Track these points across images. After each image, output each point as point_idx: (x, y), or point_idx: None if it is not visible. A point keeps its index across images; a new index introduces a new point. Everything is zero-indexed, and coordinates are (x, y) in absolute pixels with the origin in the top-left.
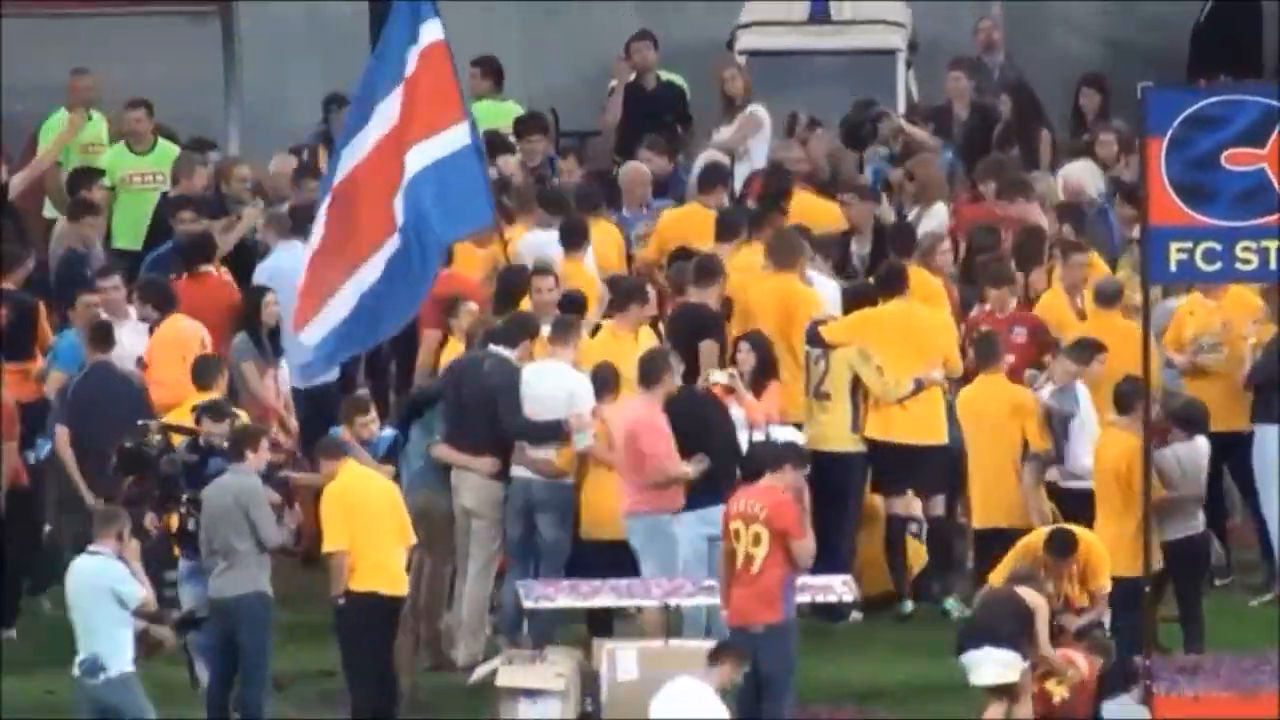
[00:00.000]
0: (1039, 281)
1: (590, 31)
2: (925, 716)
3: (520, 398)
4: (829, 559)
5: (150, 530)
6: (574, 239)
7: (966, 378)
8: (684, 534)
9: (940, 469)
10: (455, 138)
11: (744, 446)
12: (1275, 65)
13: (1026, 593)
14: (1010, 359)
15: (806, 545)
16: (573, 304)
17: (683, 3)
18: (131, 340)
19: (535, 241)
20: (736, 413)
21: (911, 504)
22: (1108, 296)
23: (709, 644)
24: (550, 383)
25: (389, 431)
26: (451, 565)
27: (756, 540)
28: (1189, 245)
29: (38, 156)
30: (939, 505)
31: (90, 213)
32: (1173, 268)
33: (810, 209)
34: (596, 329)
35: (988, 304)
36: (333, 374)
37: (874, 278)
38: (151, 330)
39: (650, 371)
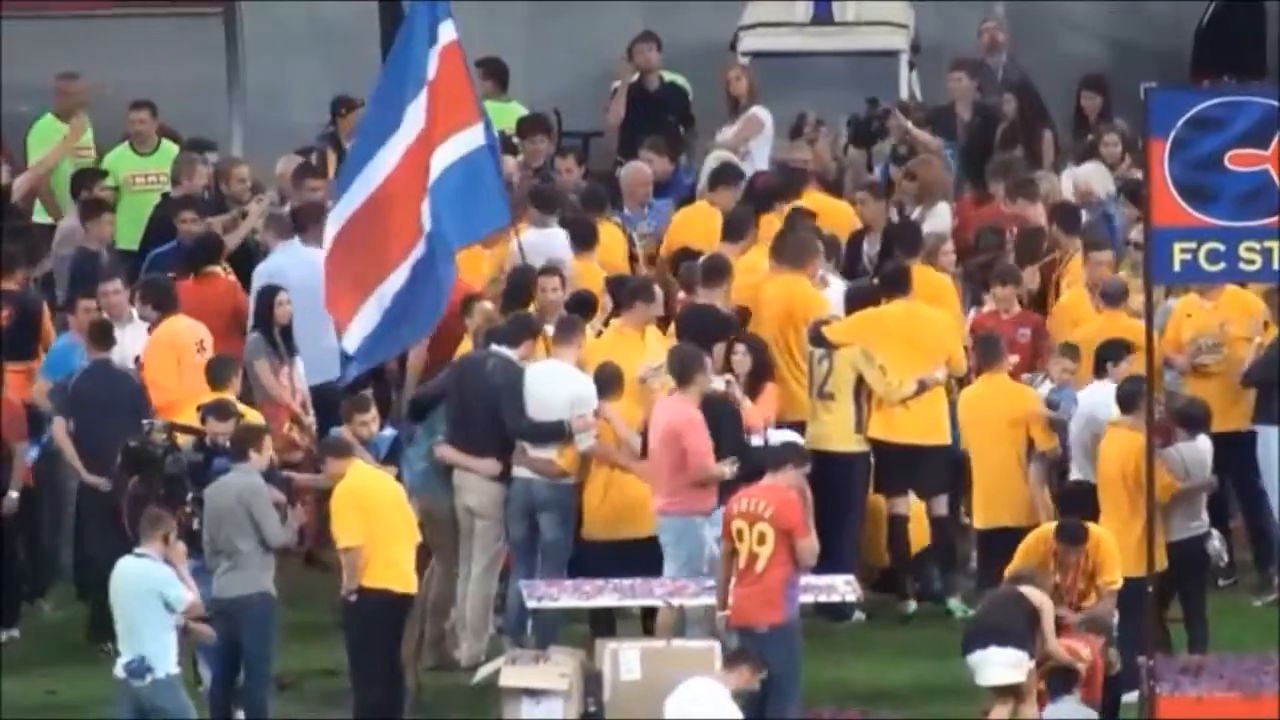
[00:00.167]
0: (1030, 280)
1: (593, 32)
2: (929, 717)
3: (523, 398)
4: (832, 559)
5: None
6: (584, 239)
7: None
8: (675, 534)
9: (942, 469)
10: (471, 139)
11: None
12: (1278, 66)
13: (1031, 591)
14: (1014, 359)
15: (811, 544)
16: (581, 304)
17: (686, 4)
18: (133, 341)
19: (540, 240)
20: None
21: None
22: (1114, 296)
23: (711, 644)
24: (552, 383)
25: (389, 432)
26: (456, 565)
27: (761, 539)
28: (1192, 246)
29: (41, 160)
30: (941, 505)
31: (105, 210)
32: (1176, 268)
33: (822, 209)
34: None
35: (992, 304)
36: (334, 371)
37: (877, 277)
38: (151, 331)
39: (683, 371)
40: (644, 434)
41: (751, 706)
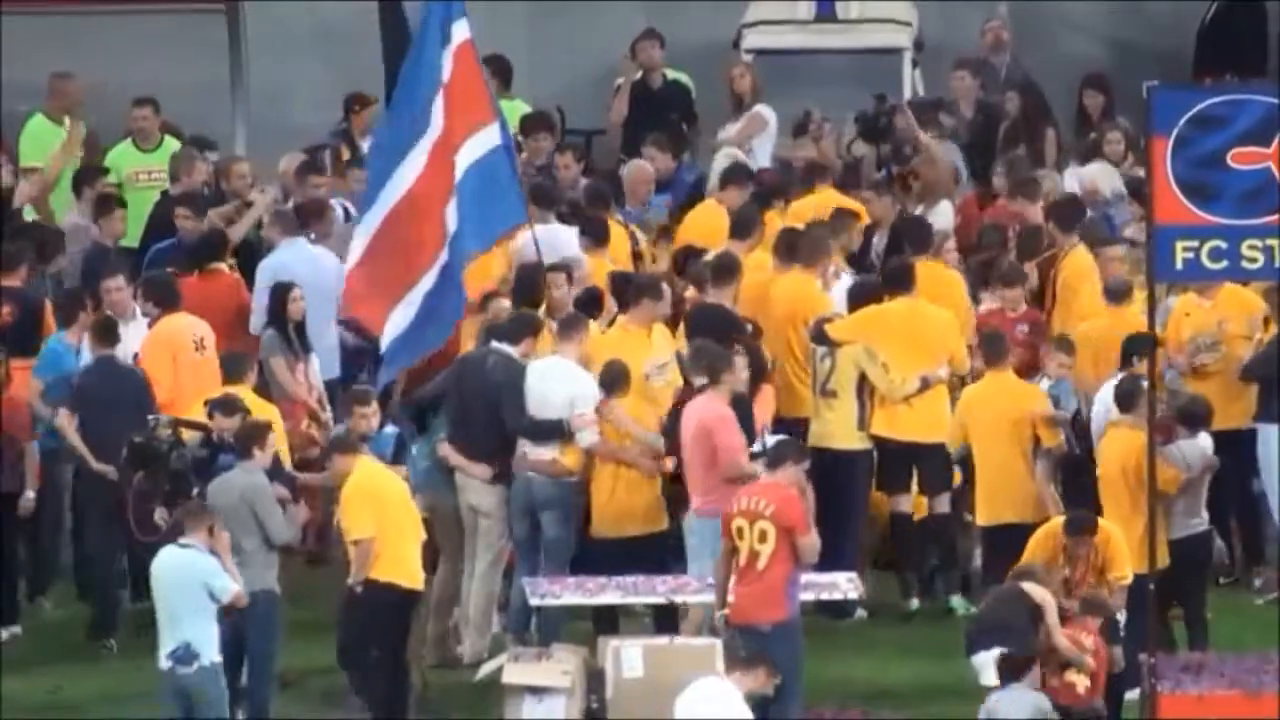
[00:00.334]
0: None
1: (596, 30)
2: (931, 716)
3: (523, 395)
4: (835, 557)
5: (160, 524)
6: (597, 236)
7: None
8: (707, 535)
9: (944, 466)
10: (486, 140)
11: None
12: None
13: (1032, 588)
14: (1019, 351)
15: (812, 541)
16: (590, 301)
17: (688, 2)
18: (135, 338)
19: (541, 236)
20: None
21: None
22: (1118, 293)
23: (713, 642)
24: (553, 380)
25: (391, 429)
26: (461, 563)
27: (762, 537)
28: (1195, 244)
29: (46, 170)
30: (943, 503)
31: (117, 207)
32: (1179, 266)
33: (831, 207)
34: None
35: (990, 301)
36: (335, 370)
37: (880, 275)
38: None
39: (713, 369)
40: (664, 433)
41: (755, 704)
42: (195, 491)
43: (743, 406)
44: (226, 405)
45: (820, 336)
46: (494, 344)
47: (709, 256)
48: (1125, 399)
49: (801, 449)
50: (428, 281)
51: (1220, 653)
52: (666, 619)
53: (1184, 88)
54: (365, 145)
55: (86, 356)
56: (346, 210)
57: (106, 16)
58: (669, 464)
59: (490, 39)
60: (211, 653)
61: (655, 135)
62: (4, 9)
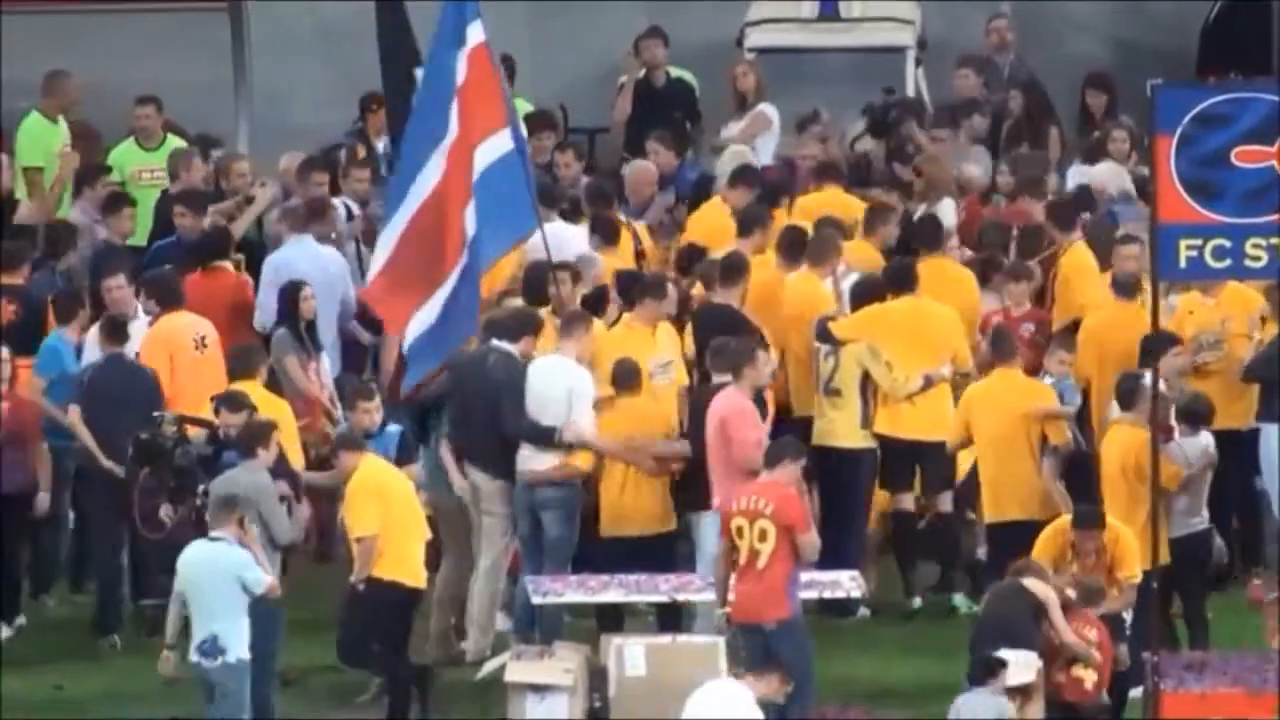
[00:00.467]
0: None
1: (599, 29)
2: (933, 715)
3: (523, 394)
4: (838, 555)
5: (165, 520)
6: (607, 234)
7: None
8: (710, 533)
9: (947, 465)
10: (498, 145)
11: None
12: None
13: (1034, 584)
14: (1024, 351)
15: (812, 539)
16: (597, 300)
17: (691, 1)
18: (137, 337)
19: (550, 236)
20: None
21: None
22: (1126, 288)
23: (716, 639)
24: (550, 378)
25: (395, 427)
26: (467, 561)
27: (762, 536)
28: (1198, 242)
29: (46, 191)
30: (946, 502)
31: (125, 204)
32: (1182, 264)
33: (839, 205)
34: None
35: (998, 299)
36: (337, 367)
37: (883, 273)
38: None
39: (735, 364)
40: (684, 433)
41: (767, 709)
42: (201, 489)
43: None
44: (232, 401)
45: (824, 335)
46: (494, 343)
47: (717, 256)
48: (1125, 397)
49: (799, 447)
50: (450, 283)
51: (1223, 651)
52: (670, 617)
53: (1188, 86)
54: (381, 145)
55: (88, 354)
56: (349, 209)
57: (108, 15)
58: (674, 465)
59: (493, 37)
60: (239, 649)
61: (659, 131)
62: (5, 8)
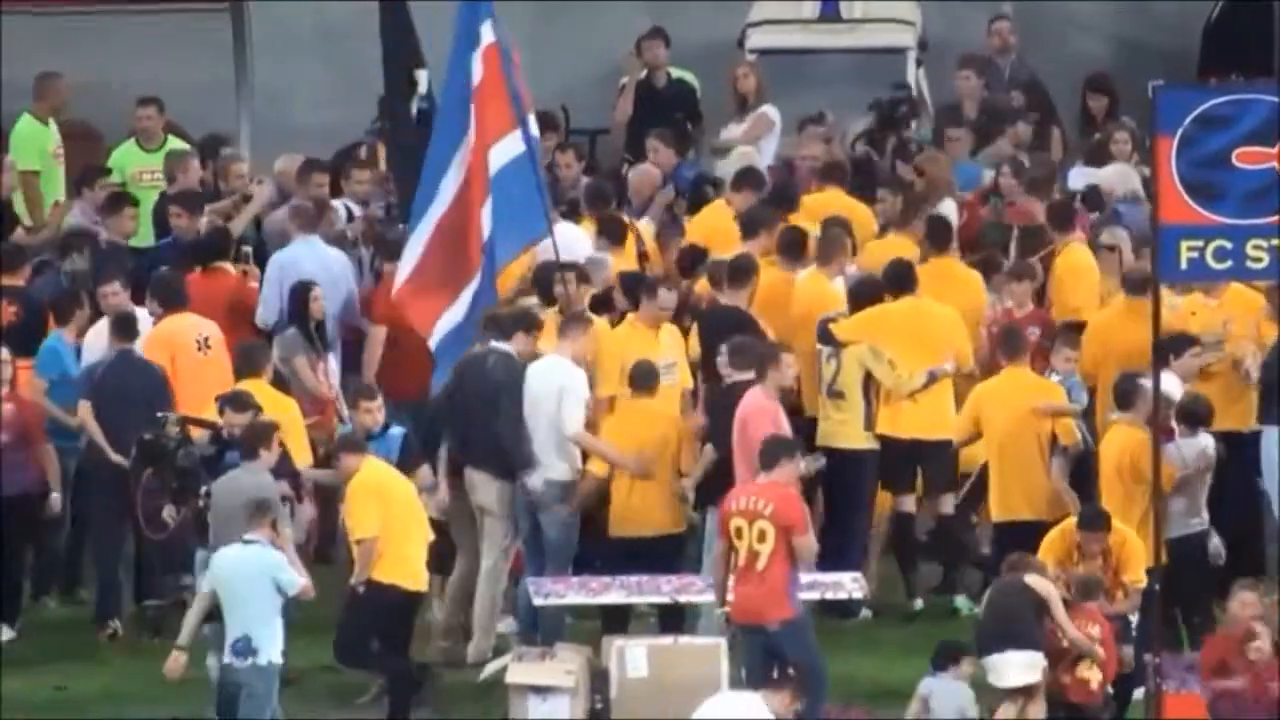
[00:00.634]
0: None
1: (600, 29)
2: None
3: (521, 396)
4: (840, 556)
5: (168, 521)
6: (614, 235)
7: (991, 371)
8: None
9: (949, 465)
10: (511, 146)
11: None
12: None
13: (1036, 581)
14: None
15: (809, 542)
16: (605, 302)
17: (692, 1)
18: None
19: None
20: None
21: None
22: (1137, 284)
23: (718, 641)
24: (545, 377)
25: (398, 429)
26: (478, 560)
27: (761, 537)
28: (1200, 244)
29: (45, 215)
30: (947, 503)
31: (125, 205)
32: (1183, 266)
33: (841, 207)
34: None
35: (1000, 299)
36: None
37: (883, 274)
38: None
39: (760, 364)
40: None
41: None
42: (204, 490)
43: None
44: (238, 401)
45: (825, 336)
46: (494, 343)
47: (723, 257)
48: (1122, 397)
49: (796, 446)
50: (475, 282)
51: None
52: (672, 619)
53: (1189, 87)
54: None
55: (88, 354)
56: (349, 210)
57: (109, 16)
58: (652, 468)
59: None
60: (271, 651)
61: (659, 130)
62: (5, 9)
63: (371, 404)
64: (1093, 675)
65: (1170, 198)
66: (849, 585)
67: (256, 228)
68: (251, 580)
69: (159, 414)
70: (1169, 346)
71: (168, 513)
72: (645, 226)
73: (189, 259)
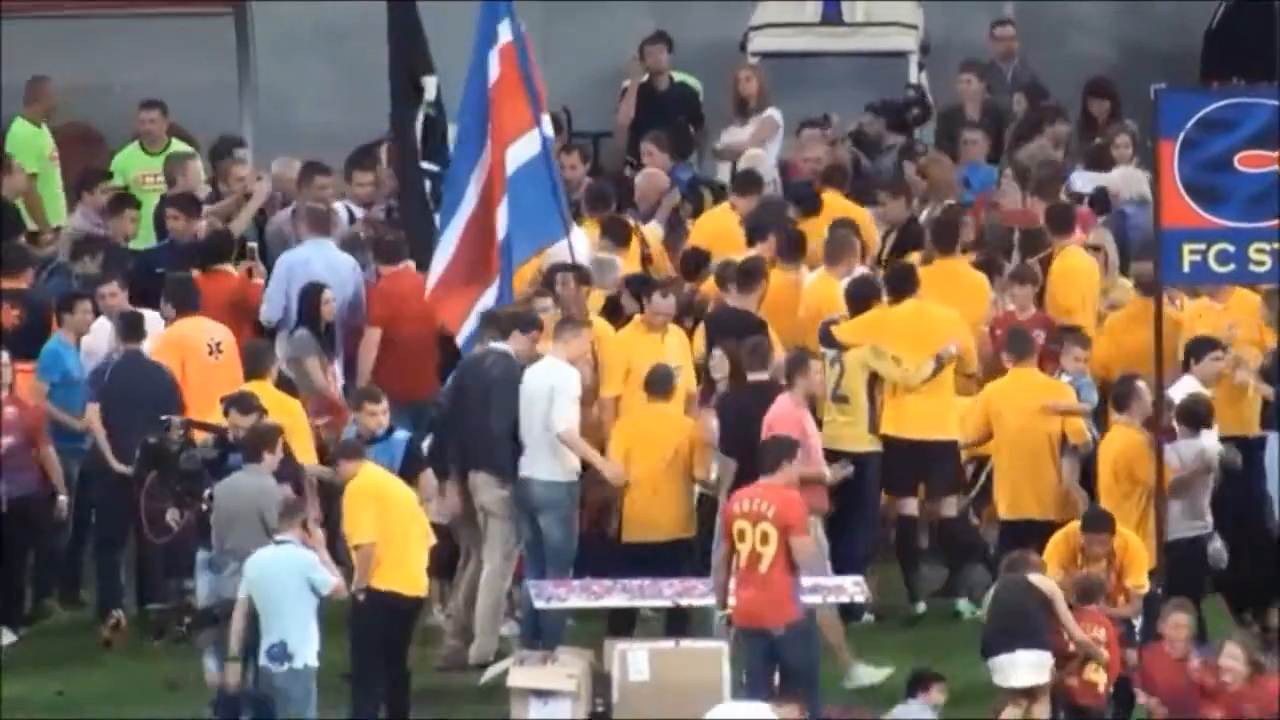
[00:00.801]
0: None
1: (602, 32)
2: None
3: (516, 396)
4: (844, 559)
5: (171, 525)
6: (619, 237)
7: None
8: None
9: (951, 467)
10: (528, 147)
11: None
12: None
13: (1039, 580)
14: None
15: (806, 543)
16: (617, 305)
17: (695, 5)
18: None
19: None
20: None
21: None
22: (1151, 286)
23: (719, 644)
24: (538, 377)
25: (402, 434)
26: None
27: (764, 539)
28: (1202, 247)
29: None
30: (950, 506)
31: (127, 206)
32: (1185, 269)
33: (839, 210)
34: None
35: (1003, 301)
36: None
37: (884, 278)
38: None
39: (789, 371)
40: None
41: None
42: (208, 494)
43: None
44: (243, 403)
45: (827, 339)
46: (492, 345)
47: (732, 259)
48: (1120, 399)
49: (795, 446)
50: (497, 281)
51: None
52: (678, 623)
53: (1191, 91)
54: None
55: (88, 355)
56: (350, 212)
57: (111, 20)
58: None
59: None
60: (307, 655)
61: (654, 133)
62: (6, 12)
63: (375, 407)
64: (1099, 678)
65: (1172, 201)
66: (851, 588)
67: (259, 232)
68: (285, 581)
69: (162, 418)
70: (1190, 351)
71: (171, 516)
72: (652, 230)
73: (187, 261)
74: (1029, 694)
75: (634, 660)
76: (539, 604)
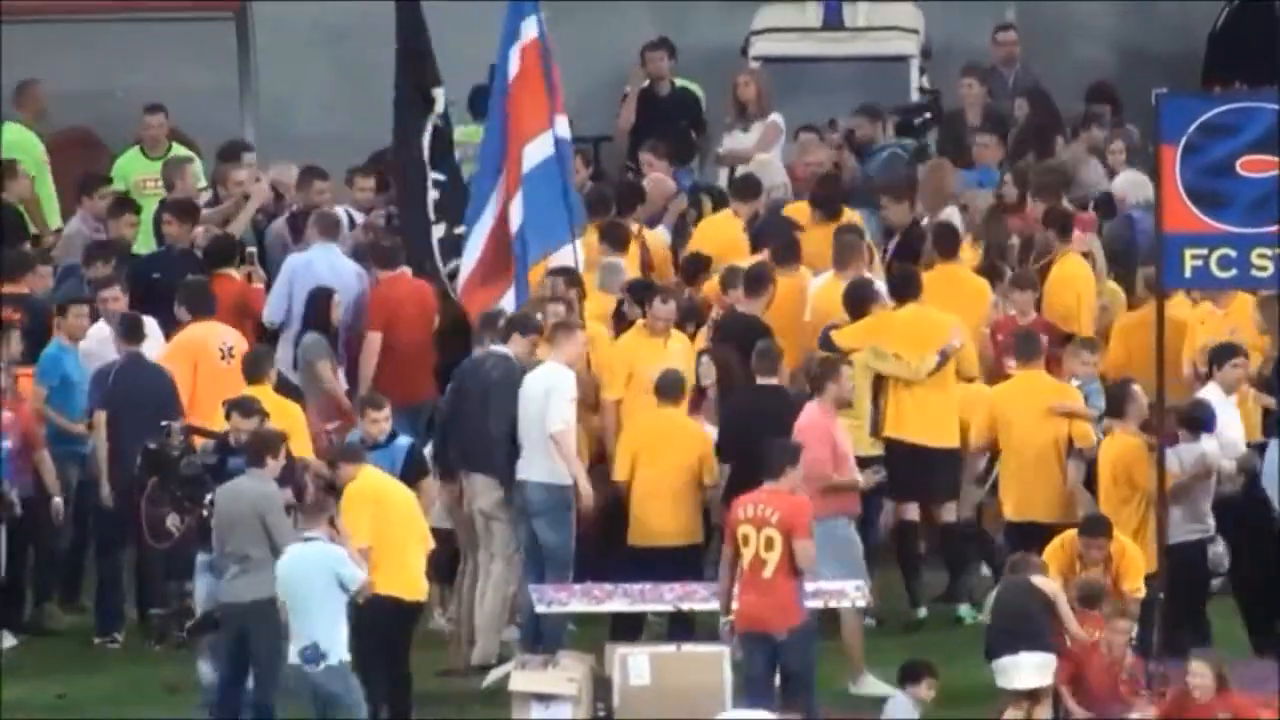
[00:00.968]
0: None
1: (604, 37)
2: None
3: (514, 398)
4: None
5: (172, 530)
6: (617, 241)
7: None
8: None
9: (952, 474)
10: (542, 148)
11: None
12: None
13: (1042, 581)
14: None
15: (808, 547)
16: (620, 313)
17: (696, 9)
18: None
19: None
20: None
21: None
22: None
23: (720, 649)
24: (535, 380)
25: (404, 440)
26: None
27: (769, 544)
28: (1204, 252)
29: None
30: (950, 512)
31: (127, 210)
32: (1187, 274)
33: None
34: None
35: (1005, 305)
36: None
37: (886, 282)
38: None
39: (816, 379)
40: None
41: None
42: (209, 499)
43: (768, 399)
44: (244, 407)
45: (828, 344)
46: (493, 348)
47: (737, 264)
48: (1114, 404)
49: (795, 450)
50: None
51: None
52: (681, 627)
53: (1193, 96)
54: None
55: (87, 358)
56: (350, 217)
57: (112, 23)
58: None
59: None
60: (340, 651)
61: (652, 142)
62: (6, 16)
63: (378, 414)
64: None
65: (1174, 206)
66: (852, 594)
67: (259, 237)
68: (313, 578)
69: (163, 424)
70: (1213, 357)
71: (172, 521)
72: (658, 235)
73: (184, 266)
74: (1031, 696)
75: (635, 664)
76: (540, 608)
